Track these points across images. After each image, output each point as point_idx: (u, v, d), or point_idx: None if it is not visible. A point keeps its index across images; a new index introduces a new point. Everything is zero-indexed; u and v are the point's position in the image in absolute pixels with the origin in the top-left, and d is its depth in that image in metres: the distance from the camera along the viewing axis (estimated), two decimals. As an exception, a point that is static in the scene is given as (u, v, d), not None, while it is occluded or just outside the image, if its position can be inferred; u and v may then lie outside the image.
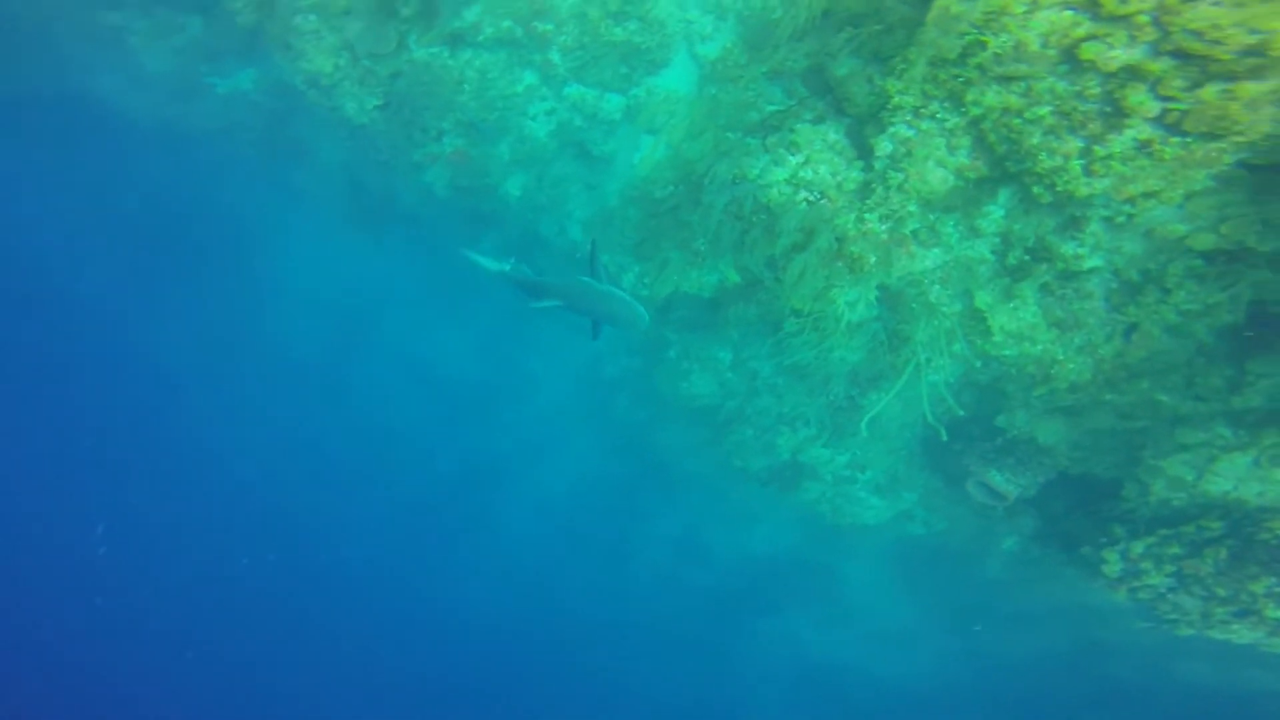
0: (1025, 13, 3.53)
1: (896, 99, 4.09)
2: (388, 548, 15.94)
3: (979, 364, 6.08)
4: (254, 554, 16.11)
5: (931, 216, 4.73)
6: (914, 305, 5.49)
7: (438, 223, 8.84)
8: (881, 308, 5.85)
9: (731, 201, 4.81)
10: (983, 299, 5.29)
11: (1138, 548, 5.69)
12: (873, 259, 4.89)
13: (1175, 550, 5.48)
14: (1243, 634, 5.43)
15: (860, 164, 4.67)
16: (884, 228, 4.57)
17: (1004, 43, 3.59)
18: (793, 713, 14.03)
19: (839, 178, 4.60)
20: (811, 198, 4.61)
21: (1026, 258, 4.76)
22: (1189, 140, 3.48)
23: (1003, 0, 3.55)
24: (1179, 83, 3.36)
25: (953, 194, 4.38)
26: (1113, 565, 5.93)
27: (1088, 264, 4.43)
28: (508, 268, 5.94)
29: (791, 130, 4.70)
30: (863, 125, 4.56)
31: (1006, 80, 3.68)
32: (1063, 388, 5.31)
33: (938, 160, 4.15)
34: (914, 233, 4.90)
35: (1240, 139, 3.39)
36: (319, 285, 11.96)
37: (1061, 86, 3.55)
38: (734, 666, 14.13)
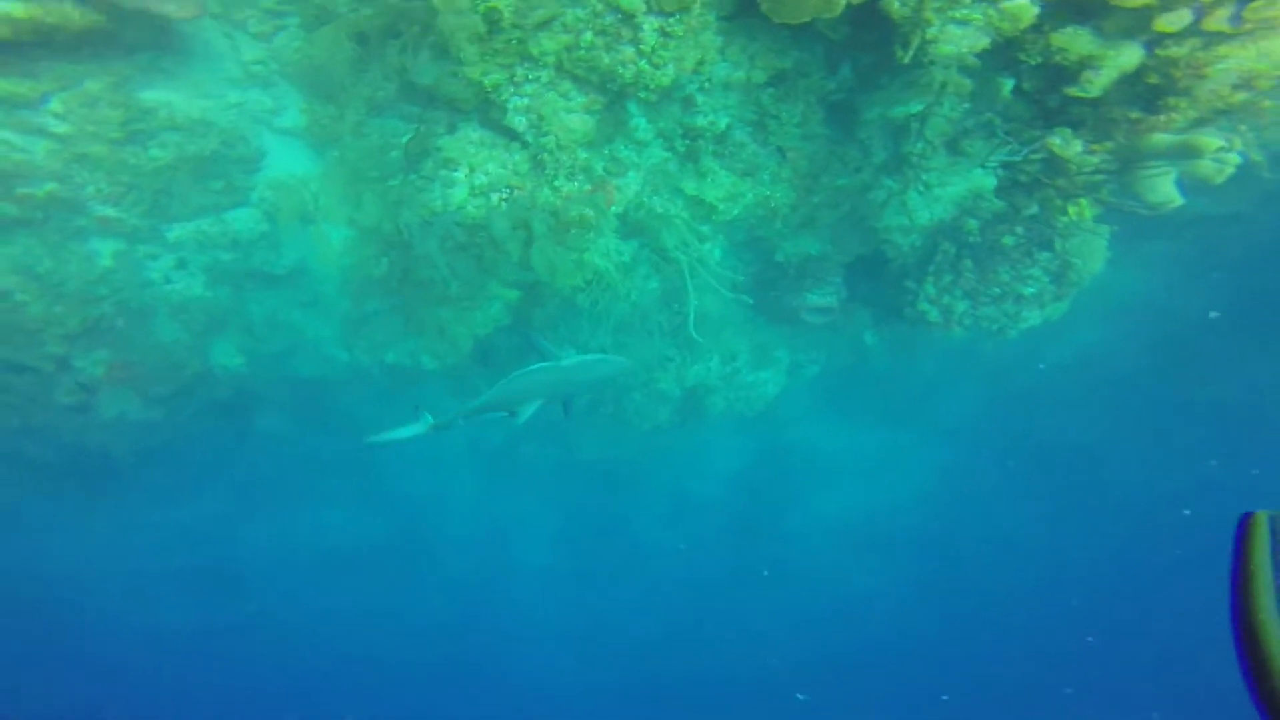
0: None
1: (487, 80, 4.15)
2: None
3: (730, 232, 6.71)
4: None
5: (605, 150, 5.12)
6: (649, 222, 5.96)
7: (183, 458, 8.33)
8: (632, 239, 6.32)
9: (443, 240, 4.84)
10: (689, 187, 5.80)
11: (930, 290, 6.37)
12: (590, 212, 5.29)
13: (948, 278, 6.20)
14: (1032, 316, 6.17)
15: (517, 145, 4.72)
16: (577, 183, 4.95)
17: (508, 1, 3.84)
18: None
19: (510, 167, 4.68)
20: (504, 195, 4.72)
21: (688, 142, 5.28)
22: (674, 16, 3.94)
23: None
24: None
25: (601, 126, 4.66)
26: (932, 313, 6.62)
27: (721, 124, 4.99)
28: (431, 420, 5.44)
29: (438, 149, 4.63)
30: (488, 112, 4.54)
31: (544, 26, 3.92)
32: (787, 212, 5.95)
33: (565, 109, 4.36)
34: (604, 170, 5.35)
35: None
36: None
37: (581, 13, 3.87)
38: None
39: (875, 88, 4.63)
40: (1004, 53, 3.91)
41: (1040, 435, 11.86)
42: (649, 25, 3.86)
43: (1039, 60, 3.81)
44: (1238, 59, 3.62)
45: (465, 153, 4.57)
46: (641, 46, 3.93)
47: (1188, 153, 4.09)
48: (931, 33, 3.63)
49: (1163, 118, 3.94)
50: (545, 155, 4.53)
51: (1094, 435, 11.81)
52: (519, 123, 4.40)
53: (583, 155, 4.68)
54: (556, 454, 10.99)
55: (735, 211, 5.93)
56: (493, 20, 3.83)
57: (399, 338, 6.66)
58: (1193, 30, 3.59)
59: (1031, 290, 5.85)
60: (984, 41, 3.71)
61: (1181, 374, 9.52)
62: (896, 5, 3.61)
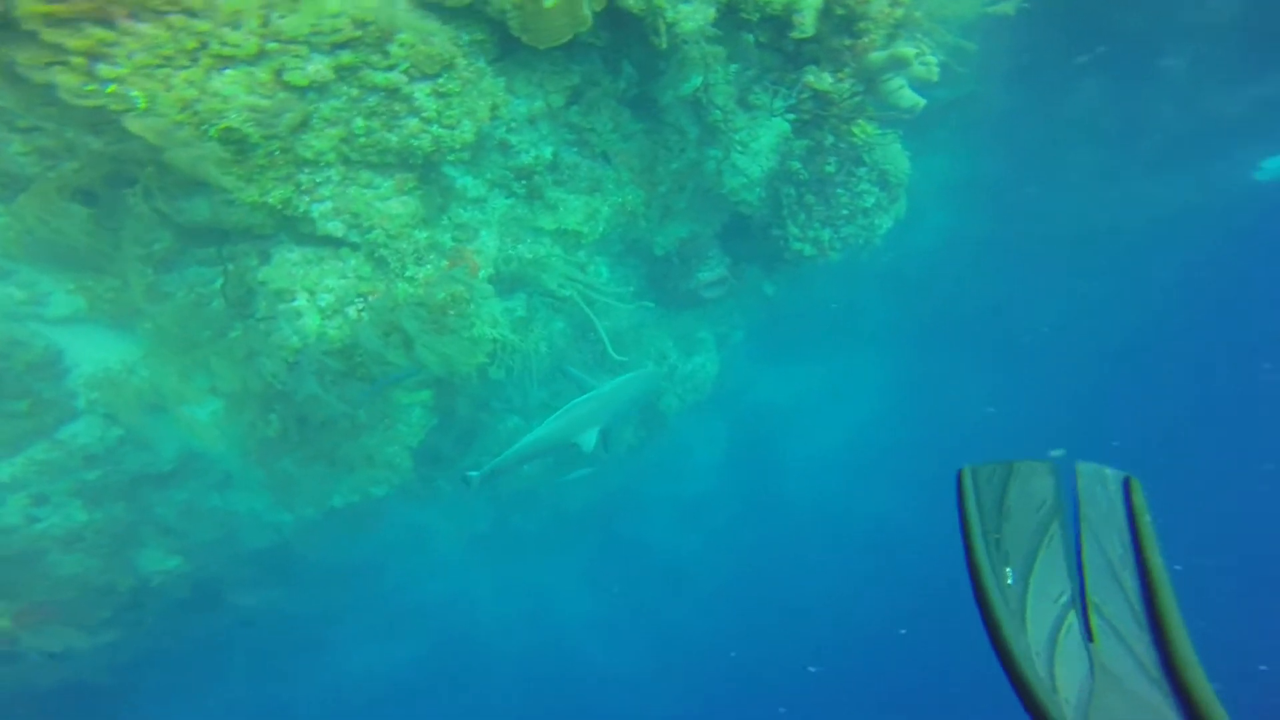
0: (222, 101, 3.41)
1: (272, 199, 3.76)
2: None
3: (605, 248, 6.65)
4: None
5: (445, 221, 4.88)
6: (525, 271, 5.82)
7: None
8: (517, 293, 6.17)
9: (320, 375, 4.42)
10: (546, 223, 5.70)
11: (794, 230, 6.47)
12: (459, 287, 5.09)
13: (802, 216, 6.30)
14: (884, 222, 6.52)
15: (347, 250, 4.38)
16: (431, 264, 4.76)
17: (240, 116, 3.45)
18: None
19: (352, 275, 4.36)
20: (359, 305, 4.40)
21: (524, 182, 5.15)
22: (441, 76, 3.80)
23: (190, 94, 3.34)
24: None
25: (426, 201, 4.39)
26: (807, 248, 6.73)
27: (547, 154, 4.87)
28: (476, 475, 5.25)
29: (261, 284, 4.19)
30: (296, 227, 4.16)
31: (303, 127, 3.62)
32: (644, 209, 5.92)
33: (377, 198, 4.12)
34: (454, 240, 5.17)
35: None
36: None
37: (337, 104, 3.62)
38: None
39: (658, 74, 4.63)
40: (732, 16, 4.04)
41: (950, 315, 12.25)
42: (420, 92, 3.68)
43: (758, 15, 3.98)
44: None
45: (294, 277, 4.18)
46: (424, 114, 3.75)
47: (899, 63, 4.58)
48: (670, 16, 3.65)
49: (865, 40, 4.25)
50: (382, 250, 4.23)
51: (994, 293, 12.31)
52: (335, 228, 4.08)
53: (422, 235, 4.47)
54: (545, 515, 10.70)
55: (600, 228, 5.84)
56: (236, 141, 3.50)
57: (334, 481, 6.18)
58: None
59: (870, 201, 6.10)
60: (711, 12, 3.77)
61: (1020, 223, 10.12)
62: (631, 1, 3.60)
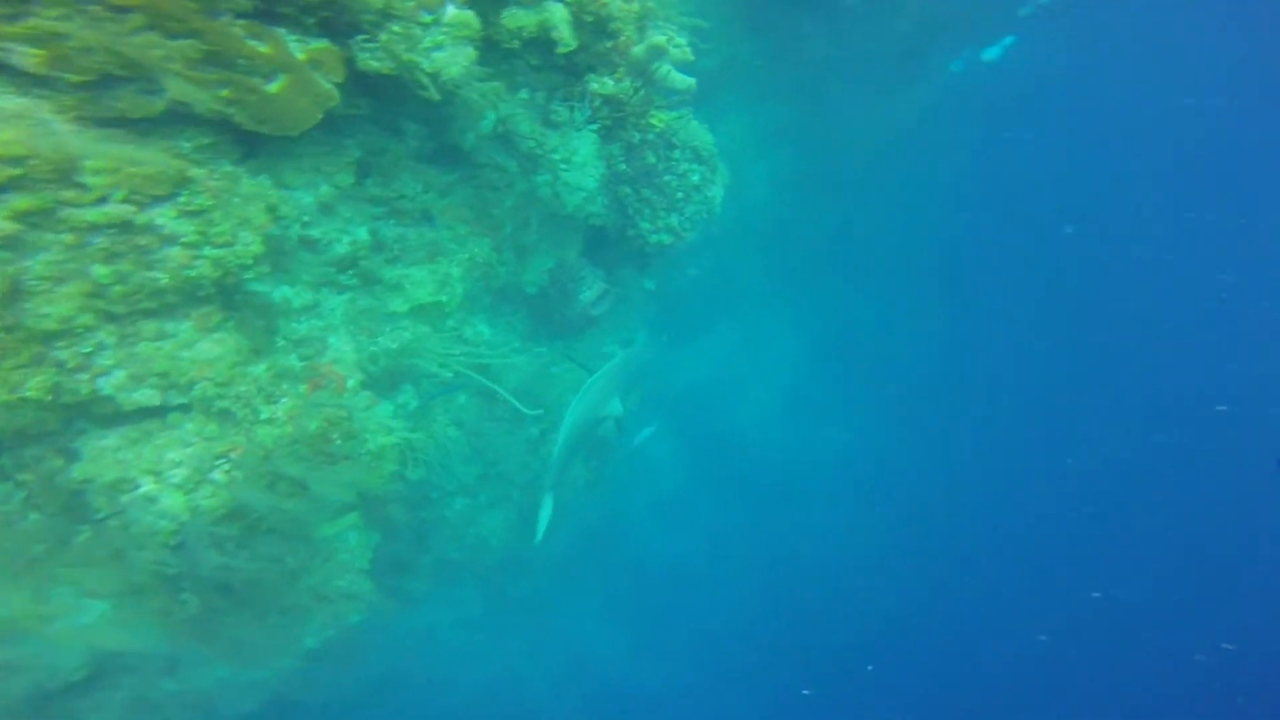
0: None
1: (31, 392, 3.03)
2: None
3: (475, 307, 6.30)
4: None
5: (279, 343, 4.26)
6: (398, 363, 5.38)
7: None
8: (401, 386, 5.71)
9: (220, 547, 3.85)
10: (397, 305, 5.25)
11: (647, 225, 6.40)
12: (331, 407, 4.60)
13: (646, 210, 6.23)
14: (716, 192, 6.57)
15: (176, 415, 3.71)
16: (286, 397, 4.25)
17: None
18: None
19: (197, 438, 3.72)
20: (224, 467, 3.77)
21: (352, 270, 4.66)
22: (179, 197, 3.27)
23: None
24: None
25: (244, 330, 3.87)
26: (665, 237, 6.62)
27: (363, 235, 4.49)
28: (551, 497, 5.61)
29: (87, 481, 3.47)
30: (93, 409, 3.46)
31: (30, 294, 2.97)
32: (496, 256, 5.61)
33: (181, 346, 3.52)
34: (301, 359, 4.66)
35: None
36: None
37: (55, 256, 2.93)
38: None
39: (447, 122, 4.32)
40: (496, 49, 3.83)
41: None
42: (164, 218, 3.10)
43: (518, 42, 3.79)
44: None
45: (124, 464, 3.52)
46: (185, 240, 3.16)
47: (658, 51, 4.66)
48: (429, 67, 3.35)
49: (622, 39, 4.24)
50: (220, 403, 3.65)
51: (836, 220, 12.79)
52: (146, 396, 3.44)
53: (260, 369, 3.95)
54: (539, 577, 10.10)
55: (458, 291, 5.46)
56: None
57: (297, 626, 5.47)
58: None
59: (696, 178, 6.13)
60: (470, 51, 3.49)
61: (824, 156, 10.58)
62: (374, 64, 3.27)
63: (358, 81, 3.34)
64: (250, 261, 3.61)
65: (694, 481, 12.62)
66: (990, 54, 10.60)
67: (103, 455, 3.46)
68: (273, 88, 2.96)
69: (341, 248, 4.50)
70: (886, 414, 14.62)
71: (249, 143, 3.34)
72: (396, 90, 3.59)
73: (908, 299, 14.98)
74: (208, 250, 3.34)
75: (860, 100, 9.78)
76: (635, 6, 4.16)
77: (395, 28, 3.11)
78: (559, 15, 3.82)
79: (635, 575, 13.68)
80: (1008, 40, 11.03)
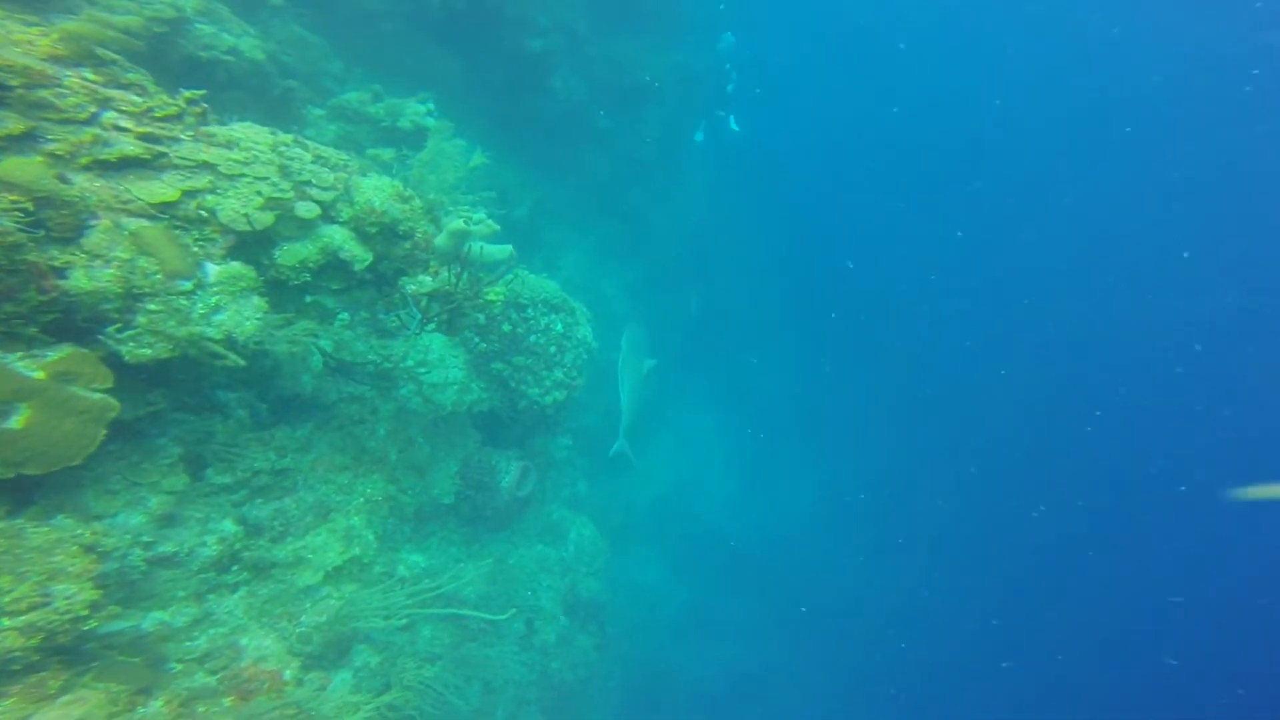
0: None
1: None
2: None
3: (405, 531, 5.43)
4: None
5: (173, 668, 3.17)
6: (335, 632, 4.37)
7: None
8: (353, 649, 4.62)
9: None
10: (308, 579, 4.37)
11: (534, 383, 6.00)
12: (276, 708, 3.54)
13: (519, 360, 5.80)
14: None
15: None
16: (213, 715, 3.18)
17: None
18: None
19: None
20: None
21: (233, 567, 3.81)
22: None
23: None
24: None
25: (131, 679, 2.97)
26: (556, 395, 6.24)
27: (228, 528, 3.73)
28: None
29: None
30: None
31: None
32: (395, 489, 4.89)
33: (60, 711, 2.62)
34: (217, 676, 3.58)
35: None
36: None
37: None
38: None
39: (271, 377, 3.82)
40: (283, 289, 3.42)
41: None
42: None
43: (307, 276, 3.40)
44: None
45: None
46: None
47: (461, 235, 4.05)
48: (215, 334, 2.88)
49: (419, 234, 3.89)
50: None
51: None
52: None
53: (157, 705, 2.95)
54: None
55: (370, 538, 4.57)
56: None
57: None
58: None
59: (560, 327, 5.99)
60: (257, 301, 3.02)
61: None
62: (146, 351, 2.74)
63: (138, 375, 2.81)
64: (84, 612, 2.77)
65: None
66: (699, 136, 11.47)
67: None
68: (16, 423, 2.37)
69: (209, 550, 3.67)
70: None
71: (19, 488, 2.65)
72: (191, 369, 3.09)
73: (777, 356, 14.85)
74: (6, 622, 2.50)
75: (655, 195, 10.20)
76: (418, 204, 3.97)
77: (152, 306, 2.67)
78: (340, 236, 3.52)
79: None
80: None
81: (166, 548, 3.48)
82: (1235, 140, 16.48)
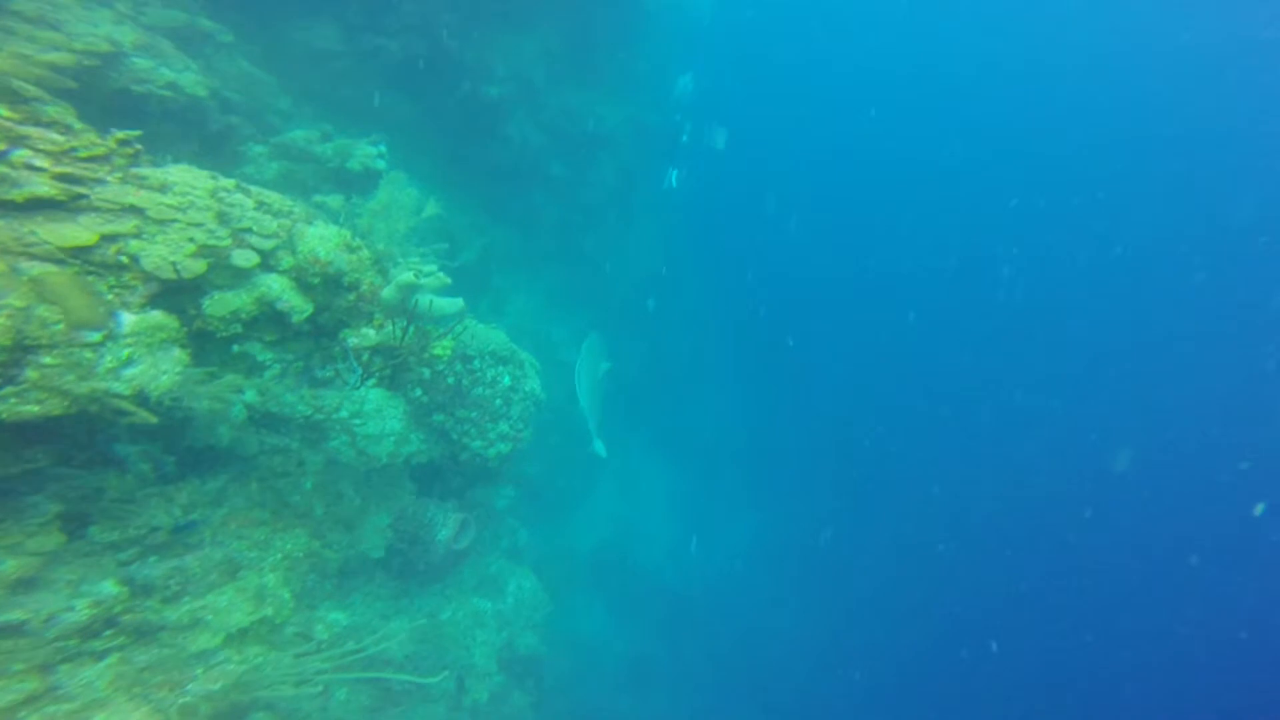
0: None
1: None
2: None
3: (326, 588, 5.00)
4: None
5: None
6: (237, 699, 3.93)
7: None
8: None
9: None
10: (207, 642, 3.92)
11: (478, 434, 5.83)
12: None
13: (462, 412, 5.61)
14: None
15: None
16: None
17: None
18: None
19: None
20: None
21: (107, 631, 3.39)
22: None
23: None
24: None
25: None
26: (501, 447, 6.03)
27: (108, 589, 3.30)
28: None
29: None
30: None
31: None
32: (318, 544, 4.53)
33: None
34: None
35: None
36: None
37: None
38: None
39: (186, 430, 3.51)
40: (209, 341, 3.19)
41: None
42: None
43: (238, 327, 3.21)
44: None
45: None
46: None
47: (410, 288, 4.05)
48: (124, 389, 2.62)
49: (365, 286, 3.80)
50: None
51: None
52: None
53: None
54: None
55: (286, 597, 4.20)
56: None
57: None
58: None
59: (508, 379, 5.83)
60: (177, 354, 2.83)
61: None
62: (32, 409, 2.47)
63: (18, 433, 2.50)
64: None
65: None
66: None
67: None
68: None
69: (76, 615, 3.24)
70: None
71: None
72: (87, 425, 2.79)
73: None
74: None
75: (607, 243, 10.23)
76: (366, 254, 3.82)
77: (47, 360, 2.40)
78: (278, 285, 3.33)
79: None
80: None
81: (13, 615, 3.05)
82: (1236, 140, 15.30)
